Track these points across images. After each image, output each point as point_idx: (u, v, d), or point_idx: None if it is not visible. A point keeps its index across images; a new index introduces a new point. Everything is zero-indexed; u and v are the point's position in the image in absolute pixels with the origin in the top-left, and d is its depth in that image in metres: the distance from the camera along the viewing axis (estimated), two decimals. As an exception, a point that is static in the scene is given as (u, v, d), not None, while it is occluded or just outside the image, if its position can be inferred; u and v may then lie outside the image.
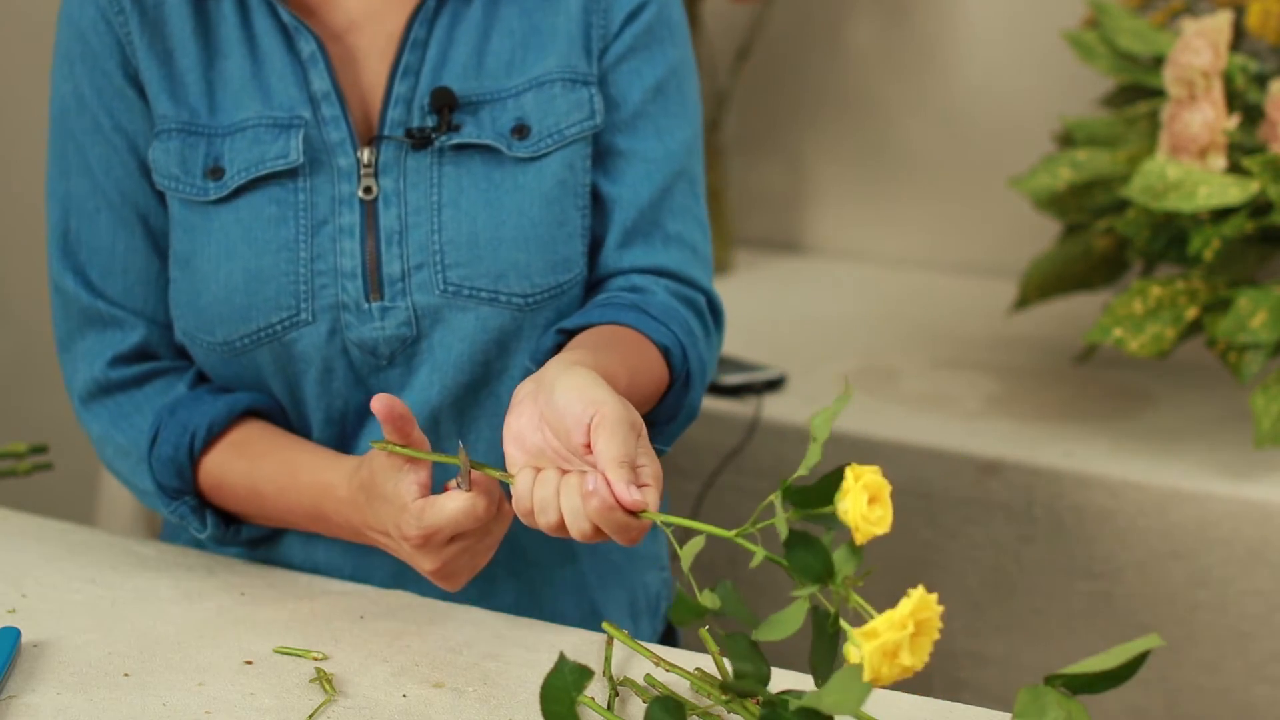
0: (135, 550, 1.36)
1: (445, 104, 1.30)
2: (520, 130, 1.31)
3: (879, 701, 1.13)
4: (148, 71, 1.32)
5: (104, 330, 1.34)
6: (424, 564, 1.18)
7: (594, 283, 1.37)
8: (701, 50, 2.20)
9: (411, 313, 1.29)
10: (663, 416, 1.31)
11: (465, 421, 1.33)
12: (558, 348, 1.29)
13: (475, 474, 1.16)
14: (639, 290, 1.35)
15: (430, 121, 1.31)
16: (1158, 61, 1.83)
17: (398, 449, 1.17)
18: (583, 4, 1.34)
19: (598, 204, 1.36)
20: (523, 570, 1.37)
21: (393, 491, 1.17)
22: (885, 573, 1.83)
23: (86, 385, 1.35)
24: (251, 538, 1.35)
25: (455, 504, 1.15)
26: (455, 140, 1.30)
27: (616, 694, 1.12)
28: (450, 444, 1.33)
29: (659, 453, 1.30)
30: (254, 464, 1.30)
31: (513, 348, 1.32)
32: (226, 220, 1.30)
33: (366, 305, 1.29)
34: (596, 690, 1.13)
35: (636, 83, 1.36)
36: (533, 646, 1.21)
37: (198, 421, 1.31)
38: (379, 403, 1.14)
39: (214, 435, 1.31)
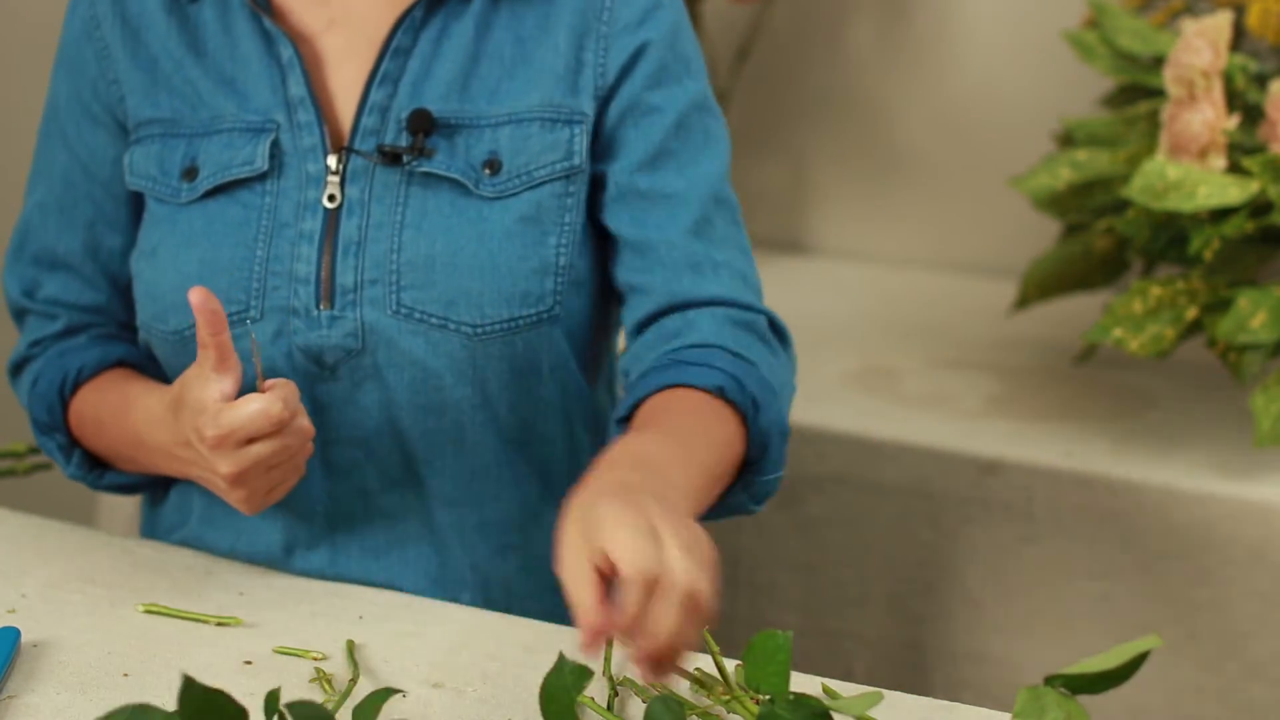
0: (135, 550, 1.36)
1: (421, 127, 1.29)
2: (492, 165, 1.29)
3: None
4: (130, 81, 1.34)
5: (34, 318, 1.42)
6: (220, 466, 1.19)
7: (648, 319, 1.34)
8: (702, 49, 2.20)
9: (359, 325, 1.29)
10: (753, 453, 1.25)
11: (434, 456, 1.33)
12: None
13: (277, 381, 1.20)
14: (680, 333, 1.31)
15: (404, 140, 1.30)
16: (1158, 61, 1.83)
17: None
18: (573, 40, 1.32)
19: (631, 250, 1.34)
20: (506, 603, 1.36)
21: (196, 397, 1.19)
22: (885, 573, 1.83)
23: (11, 362, 1.43)
24: (115, 484, 1.39)
25: (252, 404, 1.17)
26: (425, 168, 1.29)
27: (616, 694, 1.12)
28: (415, 466, 1.33)
29: (771, 484, 1.27)
30: (102, 395, 1.35)
31: (468, 378, 1.31)
32: (193, 215, 1.31)
33: (316, 312, 1.29)
34: (596, 690, 1.13)
35: (657, 122, 1.34)
36: (533, 647, 1.21)
37: (72, 364, 1.37)
38: (195, 294, 1.16)
39: (84, 378, 1.37)
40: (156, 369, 1.39)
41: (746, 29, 2.40)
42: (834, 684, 1.14)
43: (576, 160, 1.31)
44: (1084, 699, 1.05)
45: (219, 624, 1.22)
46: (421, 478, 1.33)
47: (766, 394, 1.26)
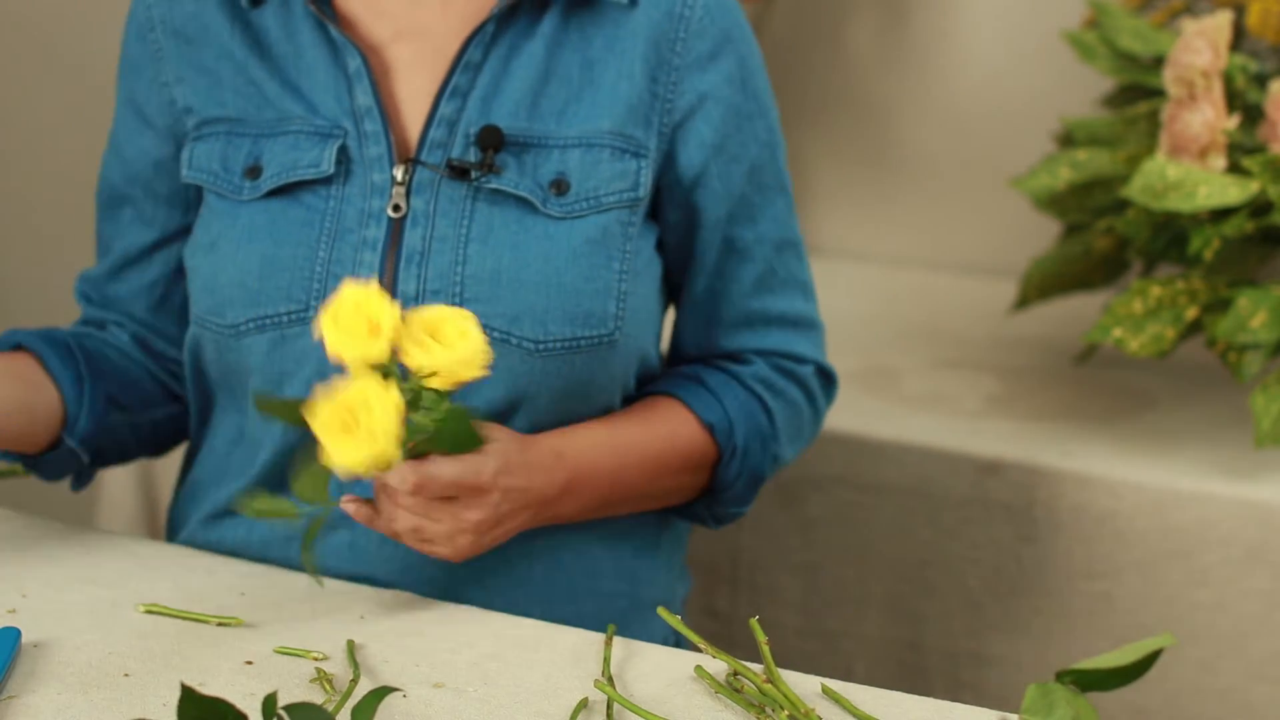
0: (135, 550, 1.36)
1: (491, 144, 1.30)
2: (559, 185, 1.30)
3: (879, 701, 1.13)
4: (186, 84, 1.35)
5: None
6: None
7: (695, 359, 1.42)
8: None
9: None
10: (716, 486, 1.38)
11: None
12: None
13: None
14: (729, 367, 1.39)
15: (473, 155, 1.30)
16: (1158, 61, 1.83)
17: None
18: (647, 71, 1.32)
19: (697, 300, 1.38)
20: (518, 605, 1.36)
21: None
22: (885, 573, 1.83)
23: None
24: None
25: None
26: (493, 184, 1.29)
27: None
28: None
29: (733, 515, 1.41)
30: None
31: (525, 393, 1.31)
32: (255, 211, 1.32)
33: None
34: (591, 692, 1.13)
35: (735, 170, 1.36)
36: (533, 646, 1.21)
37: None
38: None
39: None
40: (70, 363, 1.37)
41: (746, 29, 2.40)
42: (834, 684, 1.14)
43: (641, 192, 1.32)
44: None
45: (220, 624, 1.22)
46: None
47: (754, 442, 1.37)
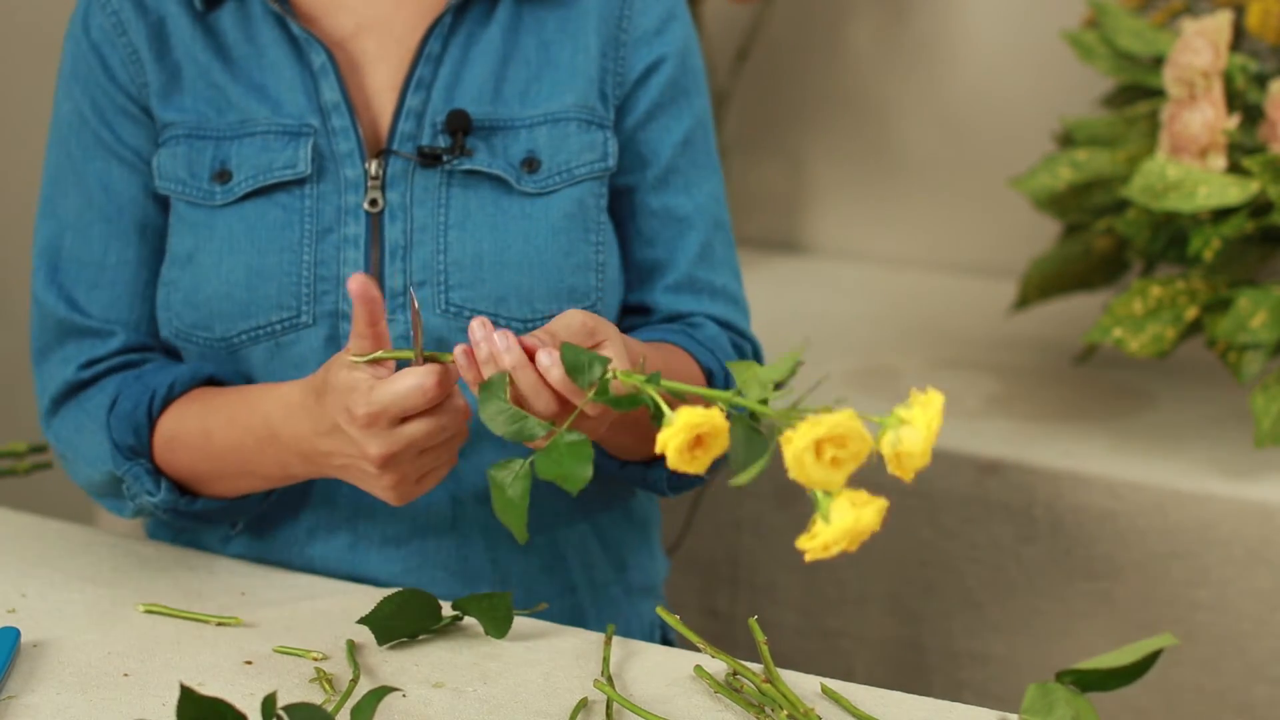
0: (135, 550, 1.36)
1: (460, 127, 1.30)
2: (530, 163, 1.31)
3: (879, 701, 1.13)
4: (155, 84, 1.33)
5: (82, 339, 1.34)
6: (370, 447, 1.14)
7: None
8: (702, 50, 2.20)
9: (410, 327, 1.29)
10: None
11: (470, 449, 1.33)
12: None
13: (434, 355, 1.15)
14: (690, 322, 1.38)
15: (442, 141, 1.31)
16: (1158, 61, 1.83)
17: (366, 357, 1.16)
18: (600, 46, 1.34)
19: (636, 269, 1.38)
20: (526, 601, 1.36)
21: (346, 378, 1.15)
22: (885, 573, 1.83)
23: (59, 388, 1.34)
24: (207, 510, 1.31)
25: (407, 379, 1.13)
26: (466, 166, 1.30)
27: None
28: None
29: (698, 480, 1.33)
30: (207, 405, 1.29)
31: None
32: (232, 219, 1.31)
33: None
34: (591, 692, 1.13)
35: (666, 139, 1.37)
36: (533, 647, 1.21)
37: (160, 381, 1.30)
38: (355, 281, 1.13)
39: (174, 396, 1.30)
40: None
41: (746, 29, 2.40)
42: (834, 684, 1.14)
43: (610, 162, 1.34)
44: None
45: (219, 624, 1.22)
46: (454, 471, 1.33)
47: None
